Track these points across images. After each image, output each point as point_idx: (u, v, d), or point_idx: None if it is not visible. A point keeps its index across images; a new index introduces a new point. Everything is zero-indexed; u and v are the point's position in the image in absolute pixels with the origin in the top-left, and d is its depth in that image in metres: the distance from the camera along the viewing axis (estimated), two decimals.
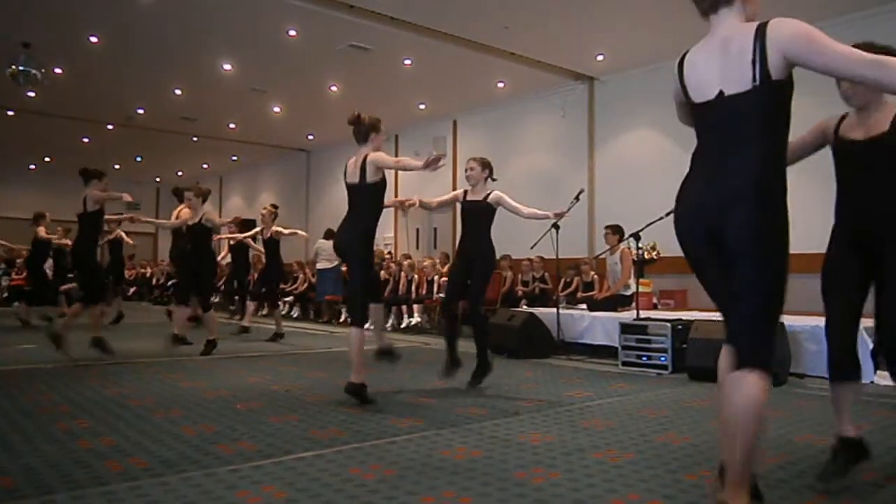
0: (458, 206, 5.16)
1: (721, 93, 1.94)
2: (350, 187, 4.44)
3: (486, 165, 5.12)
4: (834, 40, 1.82)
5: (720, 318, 2.12)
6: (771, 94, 1.89)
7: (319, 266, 11.35)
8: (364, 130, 4.44)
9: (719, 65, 1.95)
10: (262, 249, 8.76)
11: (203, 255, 7.08)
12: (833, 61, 1.81)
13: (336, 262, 10.91)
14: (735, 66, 1.91)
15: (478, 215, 5.01)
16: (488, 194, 5.02)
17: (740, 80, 1.89)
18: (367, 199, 4.38)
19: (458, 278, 5.06)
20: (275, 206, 8.74)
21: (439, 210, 5.45)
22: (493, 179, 5.18)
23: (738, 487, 1.88)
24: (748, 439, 1.86)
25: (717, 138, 1.98)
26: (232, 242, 9.82)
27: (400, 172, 13.56)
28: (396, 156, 13.61)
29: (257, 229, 8.70)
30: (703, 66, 2.01)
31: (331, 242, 11.02)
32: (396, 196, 13.21)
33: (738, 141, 1.93)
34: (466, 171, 5.13)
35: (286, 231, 8.59)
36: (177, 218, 7.90)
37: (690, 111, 2.09)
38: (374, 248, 4.86)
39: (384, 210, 4.78)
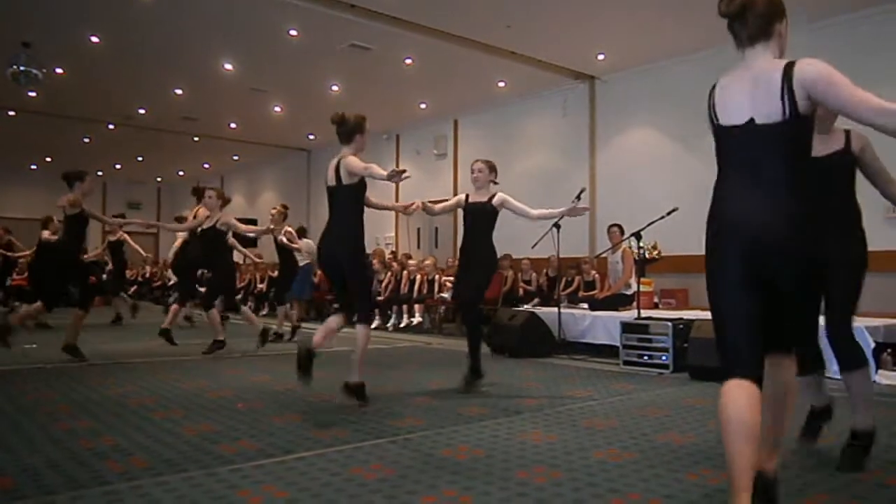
0: (461, 209, 5.06)
1: (752, 119, 2.07)
2: (329, 190, 4.27)
3: (492, 168, 5.02)
4: (851, 83, 1.94)
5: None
6: (797, 127, 2.04)
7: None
8: (348, 130, 4.25)
9: (750, 95, 2.08)
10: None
11: (215, 260, 7.01)
12: (848, 105, 1.93)
13: (309, 260, 10.85)
14: (764, 99, 2.04)
15: (481, 217, 4.90)
16: (492, 196, 4.92)
17: (770, 112, 2.03)
18: (346, 201, 4.20)
19: (464, 278, 4.99)
20: (285, 207, 8.49)
21: (439, 215, 5.35)
22: (496, 183, 5.07)
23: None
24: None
25: (747, 161, 2.10)
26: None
27: None
28: (398, 156, 13.62)
29: (263, 228, 8.54)
30: (734, 93, 2.13)
31: (306, 241, 11.04)
32: (397, 198, 13.23)
33: (768, 165, 2.07)
34: (473, 172, 4.98)
35: (287, 241, 8.29)
36: (194, 217, 7.42)
37: (714, 131, 2.21)
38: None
39: (384, 210, 4.65)
